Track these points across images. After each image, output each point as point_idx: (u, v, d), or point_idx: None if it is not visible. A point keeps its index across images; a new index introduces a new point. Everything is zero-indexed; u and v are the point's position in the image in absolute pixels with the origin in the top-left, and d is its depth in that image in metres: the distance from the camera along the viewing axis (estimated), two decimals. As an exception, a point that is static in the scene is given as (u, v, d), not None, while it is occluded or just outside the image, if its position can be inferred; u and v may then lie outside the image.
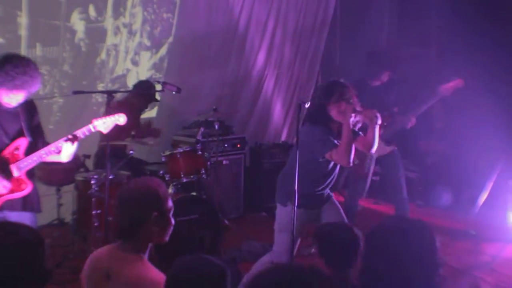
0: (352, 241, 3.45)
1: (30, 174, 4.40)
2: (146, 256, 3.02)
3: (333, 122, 4.65)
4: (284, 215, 4.64)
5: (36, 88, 4.22)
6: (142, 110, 6.70)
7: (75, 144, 4.30)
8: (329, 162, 4.66)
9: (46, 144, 4.37)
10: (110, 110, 4.83)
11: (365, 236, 2.30)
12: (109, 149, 5.06)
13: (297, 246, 4.72)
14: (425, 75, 7.67)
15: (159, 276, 2.89)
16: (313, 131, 4.58)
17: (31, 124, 4.37)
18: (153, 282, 2.85)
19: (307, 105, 4.53)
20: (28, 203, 4.40)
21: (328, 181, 4.77)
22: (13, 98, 4.17)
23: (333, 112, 4.60)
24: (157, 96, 6.77)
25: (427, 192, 8.20)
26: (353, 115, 4.56)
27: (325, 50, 9.22)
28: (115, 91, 6.03)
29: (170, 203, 3.05)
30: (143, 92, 6.51)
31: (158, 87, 5.54)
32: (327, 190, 4.84)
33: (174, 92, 5.73)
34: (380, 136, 4.75)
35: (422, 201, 8.16)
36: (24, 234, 2.31)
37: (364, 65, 6.62)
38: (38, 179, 5.97)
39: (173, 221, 3.07)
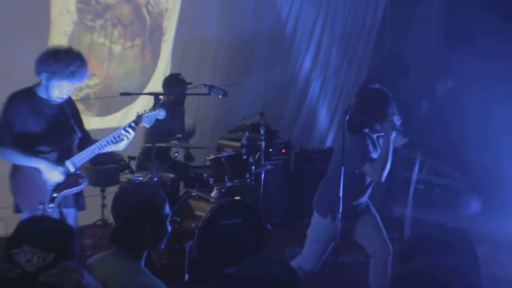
0: None
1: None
2: (142, 263, 2.88)
3: (373, 132, 4.61)
4: (322, 226, 4.67)
5: (86, 75, 4.29)
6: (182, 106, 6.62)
7: (133, 132, 4.37)
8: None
9: (93, 139, 4.46)
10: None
11: (404, 242, 2.21)
12: (154, 151, 5.07)
13: (327, 253, 4.77)
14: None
15: (158, 284, 2.77)
16: (356, 141, 4.52)
17: (77, 119, 4.45)
18: None
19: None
20: (79, 200, 4.53)
21: (367, 193, 4.74)
22: (65, 89, 4.21)
23: (376, 125, 4.56)
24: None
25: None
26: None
27: (373, 55, 9.08)
28: (162, 93, 6.02)
29: (166, 210, 2.89)
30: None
31: (205, 90, 5.52)
32: (365, 201, 4.79)
33: (220, 96, 5.69)
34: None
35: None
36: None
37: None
38: (83, 179, 6.04)
39: (169, 229, 2.92)
